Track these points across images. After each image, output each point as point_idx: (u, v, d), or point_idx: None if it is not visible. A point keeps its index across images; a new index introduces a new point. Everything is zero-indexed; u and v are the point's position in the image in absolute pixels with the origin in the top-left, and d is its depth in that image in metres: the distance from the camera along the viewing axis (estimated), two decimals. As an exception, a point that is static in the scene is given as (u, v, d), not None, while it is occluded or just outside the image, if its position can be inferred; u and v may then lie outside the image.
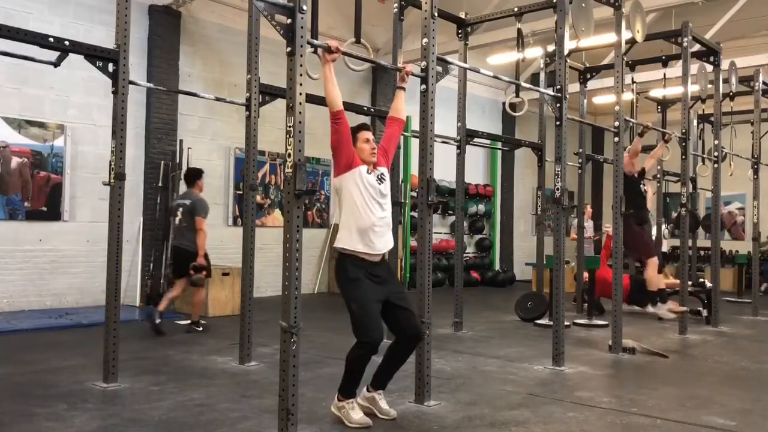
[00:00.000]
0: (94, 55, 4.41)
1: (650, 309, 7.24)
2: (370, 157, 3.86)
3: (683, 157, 7.45)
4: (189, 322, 6.90)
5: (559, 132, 5.41)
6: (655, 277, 7.20)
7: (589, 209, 11.16)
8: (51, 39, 4.19)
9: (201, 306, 7.00)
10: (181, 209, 6.92)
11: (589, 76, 9.01)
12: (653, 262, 7.20)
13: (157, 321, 6.50)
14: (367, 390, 3.88)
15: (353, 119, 4.24)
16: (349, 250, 3.75)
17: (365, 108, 6.95)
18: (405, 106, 4.23)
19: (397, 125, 4.18)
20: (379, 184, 3.85)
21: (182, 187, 8.83)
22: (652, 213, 11.24)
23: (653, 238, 9.82)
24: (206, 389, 4.41)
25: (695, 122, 10.43)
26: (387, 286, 3.79)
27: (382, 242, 3.81)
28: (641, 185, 7.37)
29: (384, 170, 3.94)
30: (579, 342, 6.57)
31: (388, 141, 4.12)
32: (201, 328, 6.80)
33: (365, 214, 3.75)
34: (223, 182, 9.85)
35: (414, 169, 11.41)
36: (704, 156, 9.80)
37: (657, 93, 10.73)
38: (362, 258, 3.74)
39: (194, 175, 7.10)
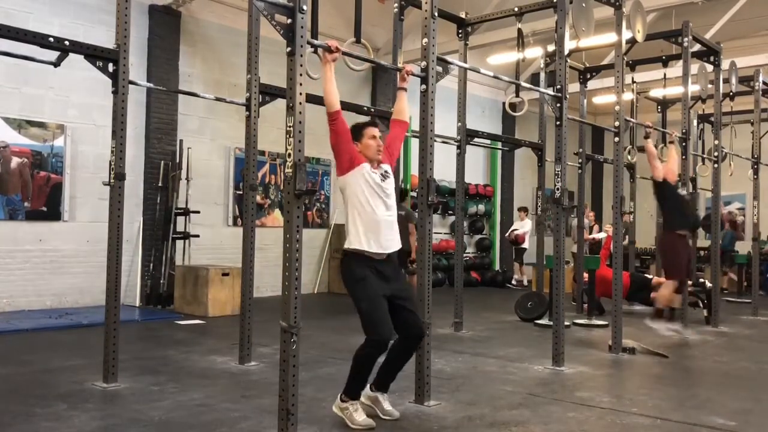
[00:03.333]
0: (94, 55, 4.41)
1: (648, 322, 7.00)
2: (375, 155, 3.83)
3: (683, 157, 7.44)
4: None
5: (559, 132, 5.41)
6: (665, 297, 6.87)
7: (590, 214, 11.25)
8: (51, 39, 4.19)
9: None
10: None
11: (589, 76, 9.01)
12: (672, 283, 6.84)
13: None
14: (371, 389, 3.85)
15: (353, 119, 4.24)
16: (355, 249, 3.73)
17: (365, 108, 6.94)
18: (408, 106, 4.22)
19: (401, 127, 4.17)
20: (383, 181, 3.81)
21: (181, 187, 8.89)
22: (652, 214, 11.30)
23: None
24: (206, 389, 4.41)
25: (695, 122, 10.42)
26: (393, 284, 3.77)
27: (389, 241, 3.78)
28: (678, 189, 7.07)
29: (387, 167, 3.91)
30: (579, 342, 6.56)
31: (392, 142, 4.09)
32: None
33: (370, 212, 3.72)
34: (223, 182, 9.85)
35: (414, 169, 11.41)
36: (704, 156, 9.79)
37: (657, 93, 10.73)
38: (368, 256, 3.71)
39: (405, 193, 9.12)
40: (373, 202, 3.74)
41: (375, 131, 3.89)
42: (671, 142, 7.47)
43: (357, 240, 3.72)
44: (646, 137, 7.22)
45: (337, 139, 3.73)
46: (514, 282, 13.08)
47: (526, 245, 13.03)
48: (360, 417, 3.66)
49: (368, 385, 3.85)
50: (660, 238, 6.86)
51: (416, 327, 3.82)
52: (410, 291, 4.03)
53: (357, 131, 3.87)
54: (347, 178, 3.77)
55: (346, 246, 3.78)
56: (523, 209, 13.44)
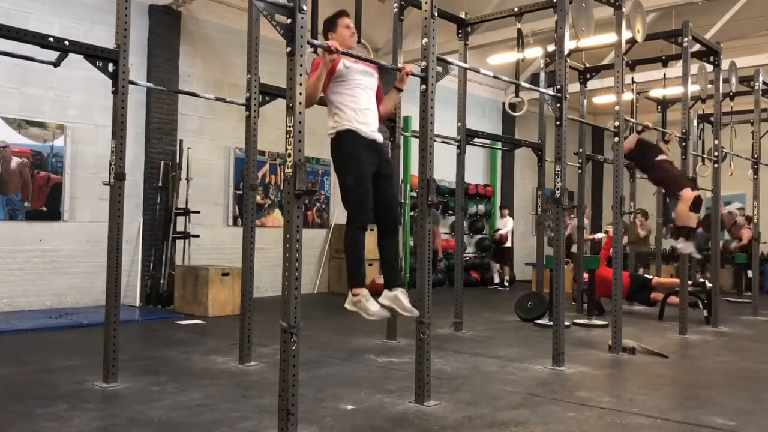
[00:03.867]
0: (94, 55, 4.41)
1: (678, 244, 7.28)
2: (350, 42, 3.95)
3: (683, 157, 7.44)
4: None
5: (559, 132, 5.41)
6: (684, 213, 7.19)
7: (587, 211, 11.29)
8: (51, 39, 4.19)
9: None
10: None
11: (589, 76, 9.00)
12: (685, 195, 7.21)
13: None
14: (389, 290, 3.95)
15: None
16: (345, 128, 3.85)
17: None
18: (393, 107, 4.31)
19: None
20: (363, 76, 3.95)
21: (181, 187, 8.90)
22: (652, 214, 11.34)
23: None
24: (206, 389, 4.41)
25: (695, 122, 10.42)
26: (381, 162, 3.93)
27: (373, 126, 3.91)
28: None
29: (371, 70, 4.04)
30: (579, 342, 6.57)
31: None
32: None
33: (354, 97, 3.87)
34: (223, 182, 9.85)
35: (414, 169, 11.41)
36: (704, 156, 9.79)
37: (657, 93, 10.73)
38: (358, 133, 3.84)
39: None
40: (355, 92, 3.89)
41: (348, 21, 4.00)
42: (667, 141, 7.55)
43: (346, 120, 3.85)
44: (639, 133, 7.31)
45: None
46: (506, 283, 13.09)
47: (509, 244, 13.13)
48: (374, 307, 3.78)
49: (384, 290, 3.97)
50: (653, 176, 7.73)
51: (392, 212, 4.00)
52: (393, 176, 4.20)
53: (331, 22, 3.98)
54: (330, 86, 3.90)
55: (333, 129, 3.89)
56: (505, 208, 13.58)
